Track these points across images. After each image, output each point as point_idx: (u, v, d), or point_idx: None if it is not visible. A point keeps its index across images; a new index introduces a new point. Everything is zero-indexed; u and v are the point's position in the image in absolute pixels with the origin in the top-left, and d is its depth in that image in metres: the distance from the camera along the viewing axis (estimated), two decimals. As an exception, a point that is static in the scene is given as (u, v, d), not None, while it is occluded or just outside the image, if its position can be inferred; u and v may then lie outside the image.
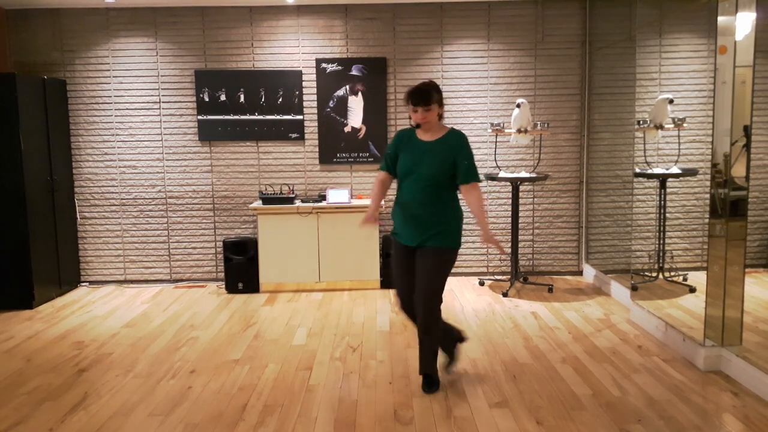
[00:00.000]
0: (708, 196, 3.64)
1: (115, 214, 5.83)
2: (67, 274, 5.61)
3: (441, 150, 3.23)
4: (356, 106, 5.69)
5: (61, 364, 3.83)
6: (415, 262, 3.25)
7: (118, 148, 5.76)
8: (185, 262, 5.88)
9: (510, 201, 5.71)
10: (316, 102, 5.71)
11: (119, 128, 5.75)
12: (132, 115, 5.74)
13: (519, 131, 5.17)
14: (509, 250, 2.69)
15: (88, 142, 5.76)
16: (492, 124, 5.25)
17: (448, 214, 3.25)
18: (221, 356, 3.92)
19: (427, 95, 3.18)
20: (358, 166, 5.80)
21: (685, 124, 4.60)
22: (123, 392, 3.38)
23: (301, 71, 5.67)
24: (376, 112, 5.70)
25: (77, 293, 5.60)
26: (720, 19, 3.40)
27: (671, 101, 4.53)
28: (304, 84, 5.68)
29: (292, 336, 4.30)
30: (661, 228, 4.81)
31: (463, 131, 5.79)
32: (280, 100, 5.68)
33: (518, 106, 5.10)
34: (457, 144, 3.25)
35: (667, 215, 4.82)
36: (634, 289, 4.70)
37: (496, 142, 5.67)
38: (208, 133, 5.72)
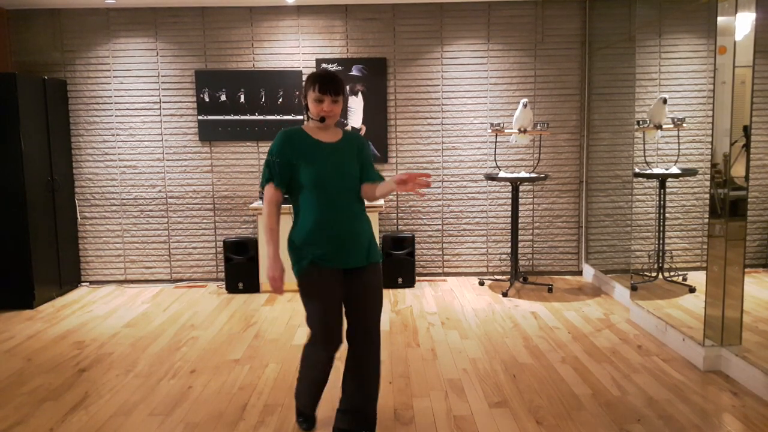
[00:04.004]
0: (708, 196, 3.65)
1: (115, 214, 5.84)
2: (67, 274, 5.61)
3: (351, 150, 2.72)
4: (356, 107, 5.70)
5: (61, 363, 3.84)
6: (351, 286, 2.68)
7: (118, 148, 5.77)
8: (185, 262, 5.89)
9: (510, 201, 5.72)
10: (316, 102, 5.71)
11: (120, 128, 5.75)
12: (132, 115, 5.74)
13: (520, 131, 5.18)
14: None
15: (88, 142, 5.76)
16: (492, 124, 5.25)
17: (368, 222, 2.77)
18: (221, 356, 3.92)
19: (337, 84, 2.62)
20: (358, 166, 5.81)
21: (684, 124, 4.61)
22: (123, 392, 3.39)
23: (301, 71, 5.67)
24: (376, 112, 5.70)
25: (78, 293, 5.61)
26: (719, 19, 3.41)
27: (665, 101, 4.53)
28: (304, 84, 5.68)
29: (292, 336, 4.30)
30: (661, 228, 4.81)
31: (465, 131, 5.87)
32: (281, 100, 5.68)
33: (524, 105, 5.10)
34: (361, 142, 2.80)
35: (667, 215, 4.82)
36: (633, 289, 4.71)
37: (496, 142, 5.68)
38: (208, 133, 5.73)
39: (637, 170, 4.82)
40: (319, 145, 2.66)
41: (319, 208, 2.63)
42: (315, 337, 2.68)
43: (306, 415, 2.95)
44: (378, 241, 5.49)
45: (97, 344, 4.20)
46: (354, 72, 5.67)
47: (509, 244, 5.73)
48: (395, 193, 5.81)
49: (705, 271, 3.59)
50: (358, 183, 2.70)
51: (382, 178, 2.74)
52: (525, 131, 5.17)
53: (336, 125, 2.78)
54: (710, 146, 3.53)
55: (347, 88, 5.66)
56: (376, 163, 5.75)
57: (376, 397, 2.79)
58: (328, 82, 2.60)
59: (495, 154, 5.73)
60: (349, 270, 2.67)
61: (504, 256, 5.87)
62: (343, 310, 2.72)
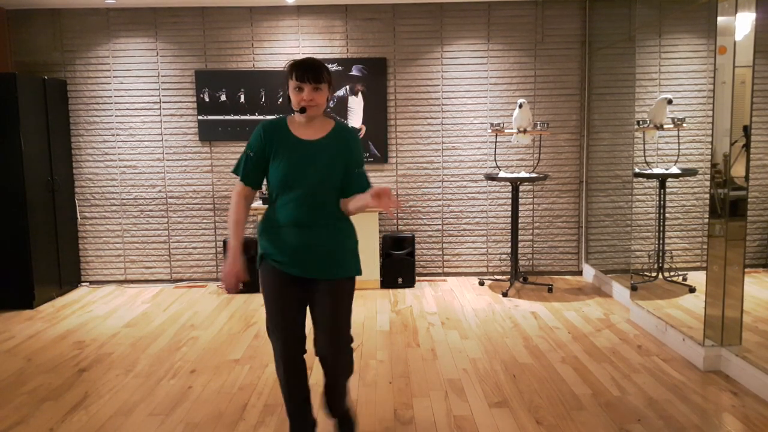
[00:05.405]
0: (708, 196, 3.65)
1: (115, 214, 5.84)
2: (67, 274, 5.61)
3: (333, 151, 2.42)
4: (356, 107, 5.70)
5: (61, 363, 3.84)
6: (310, 297, 2.48)
7: (118, 148, 5.77)
8: (185, 262, 5.89)
9: (510, 201, 5.72)
10: (316, 102, 5.71)
11: (120, 128, 5.75)
12: (132, 115, 5.74)
13: (519, 131, 5.18)
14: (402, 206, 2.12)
15: (88, 142, 5.76)
16: (492, 124, 5.25)
17: (345, 234, 2.49)
18: (221, 356, 3.92)
19: (317, 69, 2.37)
20: (358, 166, 5.80)
21: (684, 124, 4.61)
22: (123, 392, 3.39)
23: (301, 71, 5.66)
24: (376, 112, 5.70)
25: (78, 293, 5.61)
26: (719, 19, 3.41)
27: (670, 101, 4.53)
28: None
29: (292, 336, 4.29)
30: (661, 228, 4.82)
31: (465, 131, 5.87)
32: (281, 100, 5.68)
33: (520, 106, 5.10)
34: (350, 143, 2.47)
35: (667, 215, 4.82)
36: (633, 289, 4.71)
37: (496, 142, 5.68)
38: (208, 133, 5.73)
39: (637, 170, 4.82)
40: (297, 143, 2.43)
41: (282, 209, 2.41)
42: (267, 324, 2.51)
43: (292, 423, 2.61)
44: (378, 241, 5.48)
45: (97, 344, 4.20)
46: (354, 72, 5.67)
47: (509, 244, 5.73)
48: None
49: (705, 271, 3.59)
50: (334, 189, 2.43)
51: (367, 186, 2.43)
52: (525, 131, 5.17)
53: (328, 117, 2.54)
54: (710, 146, 3.53)
55: (354, 88, 5.66)
56: (375, 163, 5.74)
57: (341, 402, 2.63)
58: (307, 68, 2.36)
59: (495, 154, 5.73)
60: (303, 278, 2.44)
61: (504, 256, 5.87)
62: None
